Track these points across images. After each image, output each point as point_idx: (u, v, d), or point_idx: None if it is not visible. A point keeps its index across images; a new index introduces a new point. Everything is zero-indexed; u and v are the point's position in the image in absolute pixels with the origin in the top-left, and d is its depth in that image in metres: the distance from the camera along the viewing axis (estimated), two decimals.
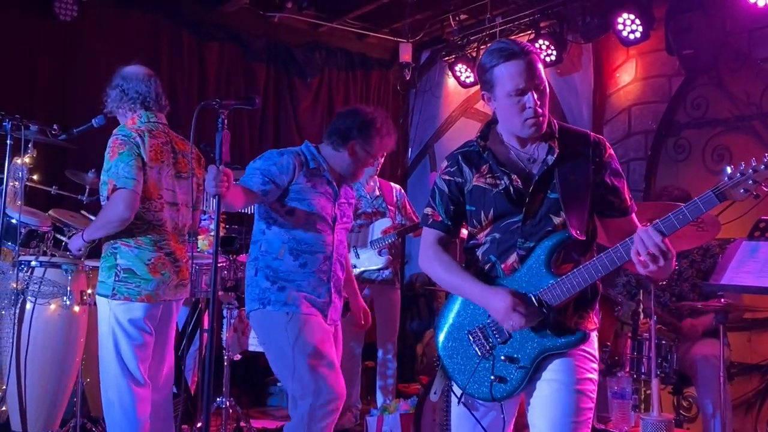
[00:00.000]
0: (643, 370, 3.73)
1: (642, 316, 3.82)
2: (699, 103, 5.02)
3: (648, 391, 3.86)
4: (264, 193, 3.02)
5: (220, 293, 4.19)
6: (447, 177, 2.30)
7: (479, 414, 2.26)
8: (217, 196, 2.61)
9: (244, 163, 5.63)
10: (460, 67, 6.30)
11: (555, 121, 2.27)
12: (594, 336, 2.24)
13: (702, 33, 4.98)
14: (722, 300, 3.51)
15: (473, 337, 2.23)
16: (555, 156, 2.19)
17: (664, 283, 4.05)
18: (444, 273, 2.28)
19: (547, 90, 2.18)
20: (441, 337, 2.30)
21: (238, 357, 4.32)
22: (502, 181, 2.21)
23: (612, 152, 2.27)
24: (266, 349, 3.18)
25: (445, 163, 2.34)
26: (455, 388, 2.28)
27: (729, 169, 1.94)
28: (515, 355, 2.16)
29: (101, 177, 3.29)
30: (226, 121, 2.65)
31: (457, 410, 2.30)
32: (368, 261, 4.82)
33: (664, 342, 3.74)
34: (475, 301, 2.21)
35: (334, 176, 3.23)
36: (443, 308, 2.34)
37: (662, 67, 5.25)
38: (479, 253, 2.26)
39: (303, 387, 2.99)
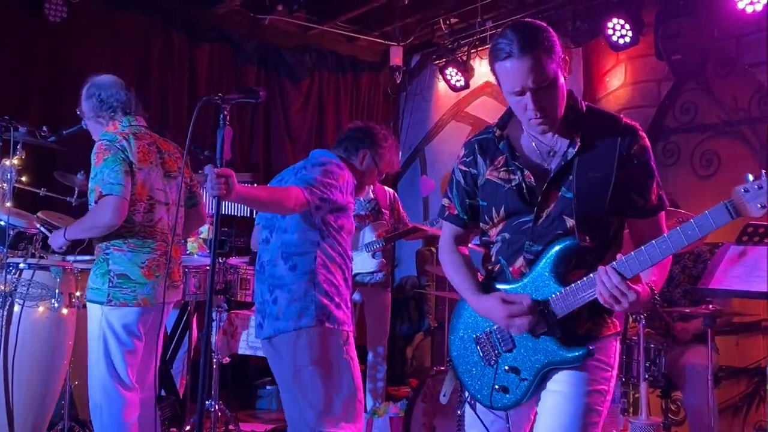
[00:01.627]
0: (632, 374, 3.74)
1: (631, 320, 3.83)
2: (688, 108, 5.05)
3: (636, 395, 3.87)
4: (318, 207, 2.92)
5: None
6: (463, 167, 2.17)
7: (488, 420, 2.15)
8: (216, 198, 2.46)
9: (233, 165, 5.64)
10: (450, 71, 6.29)
11: (583, 103, 2.07)
12: (611, 342, 2.07)
13: (691, 38, 5.02)
14: (710, 306, 3.52)
15: (480, 343, 2.13)
16: (576, 149, 1.99)
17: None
18: (453, 274, 2.20)
19: (559, 82, 1.95)
20: (453, 337, 2.20)
21: (227, 360, 4.31)
22: (516, 177, 2.05)
23: (645, 143, 2.02)
24: (311, 368, 2.92)
25: (462, 152, 2.19)
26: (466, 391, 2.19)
27: (751, 177, 1.68)
28: (518, 367, 2.05)
29: (89, 183, 3.26)
30: (228, 117, 2.46)
31: (469, 413, 2.20)
32: (361, 264, 4.79)
33: (652, 346, 3.76)
34: (475, 311, 2.13)
35: None
36: (457, 308, 2.23)
37: (651, 72, 5.29)
38: (492, 251, 2.14)
39: (348, 409, 2.98)
